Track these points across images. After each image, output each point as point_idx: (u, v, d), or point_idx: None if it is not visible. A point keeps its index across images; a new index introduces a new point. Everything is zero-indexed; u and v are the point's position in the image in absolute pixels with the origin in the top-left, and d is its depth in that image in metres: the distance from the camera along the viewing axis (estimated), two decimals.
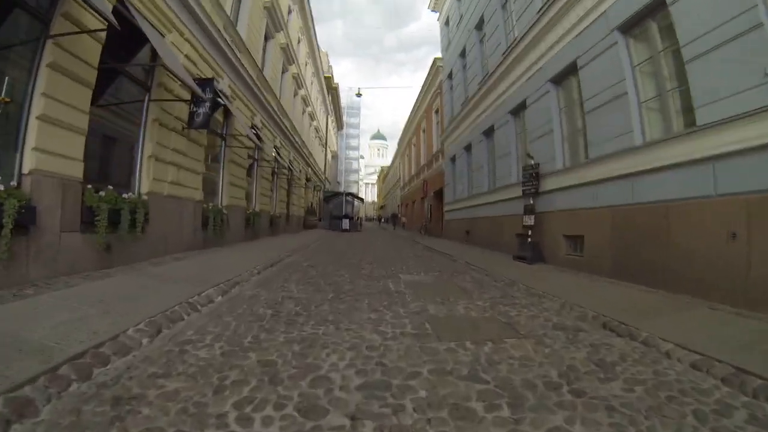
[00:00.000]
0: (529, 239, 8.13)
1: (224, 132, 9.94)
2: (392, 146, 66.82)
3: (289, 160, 18.39)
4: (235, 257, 7.26)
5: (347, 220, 23.92)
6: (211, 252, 7.77)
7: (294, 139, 19.05)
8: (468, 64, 14.95)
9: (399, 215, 33.87)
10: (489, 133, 12.46)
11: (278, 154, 15.18)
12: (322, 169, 35.17)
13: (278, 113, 15.20)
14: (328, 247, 11.74)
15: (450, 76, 17.83)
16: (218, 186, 9.80)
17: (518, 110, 10.06)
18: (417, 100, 26.85)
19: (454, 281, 5.83)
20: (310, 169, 25.19)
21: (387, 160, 78.21)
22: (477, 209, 13.12)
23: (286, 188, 17.80)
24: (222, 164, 9.95)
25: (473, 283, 5.66)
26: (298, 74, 19.50)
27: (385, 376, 2.19)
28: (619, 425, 1.71)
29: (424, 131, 25.64)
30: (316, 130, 28.94)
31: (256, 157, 13.27)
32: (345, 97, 70.62)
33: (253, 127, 11.78)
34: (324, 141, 35.57)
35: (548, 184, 7.96)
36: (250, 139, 10.30)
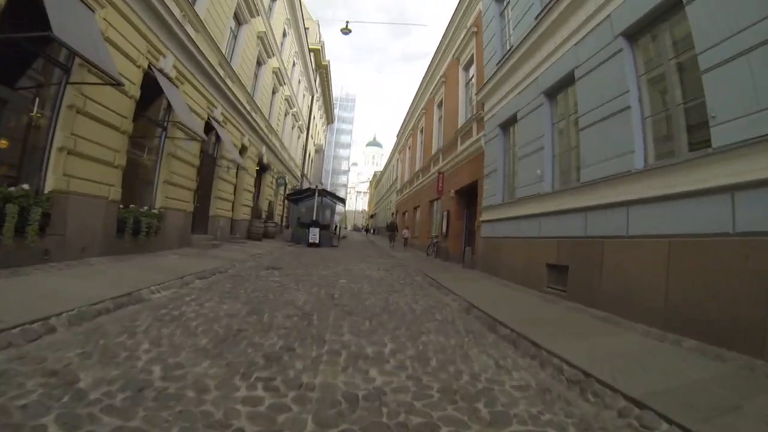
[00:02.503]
0: None
1: None
2: (389, 155, 58.95)
3: (216, 118, 10.28)
4: None
5: (317, 230, 15.60)
6: None
7: (236, 99, 10.99)
8: None
9: (396, 224, 23.47)
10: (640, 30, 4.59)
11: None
12: (298, 162, 27.00)
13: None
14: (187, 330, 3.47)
15: None
16: None
17: None
18: (431, 63, 18.99)
19: None
20: (265, 149, 16.91)
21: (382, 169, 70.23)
22: (604, 216, 5.17)
23: (196, 166, 9.52)
24: None
25: None
26: None
27: None
28: None
29: (440, 105, 17.69)
30: (289, 102, 20.84)
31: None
32: (338, 91, 63.20)
33: None
34: (304, 125, 27.49)
35: None
36: None
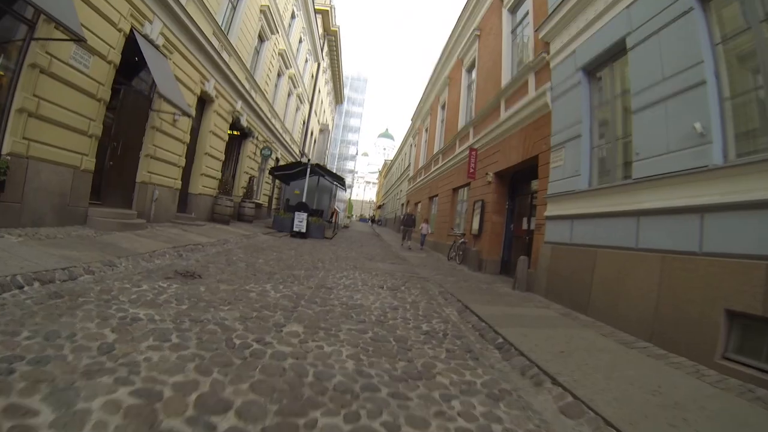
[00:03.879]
0: None
1: None
2: (400, 144, 54.80)
3: (151, 38, 6.78)
4: None
5: (303, 216, 12.01)
6: None
7: (193, 24, 7.47)
8: None
9: (413, 216, 17.67)
10: None
11: None
12: (296, 136, 23.41)
13: None
14: None
15: None
16: None
17: None
18: (459, 19, 15.21)
19: None
20: (243, 106, 13.34)
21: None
22: None
23: (103, 100, 5.97)
24: None
25: None
26: None
27: None
28: None
29: (470, 69, 14.00)
30: (284, 59, 17.19)
31: None
32: (349, 71, 59.20)
33: None
34: (305, 95, 23.88)
35: None
36: None
